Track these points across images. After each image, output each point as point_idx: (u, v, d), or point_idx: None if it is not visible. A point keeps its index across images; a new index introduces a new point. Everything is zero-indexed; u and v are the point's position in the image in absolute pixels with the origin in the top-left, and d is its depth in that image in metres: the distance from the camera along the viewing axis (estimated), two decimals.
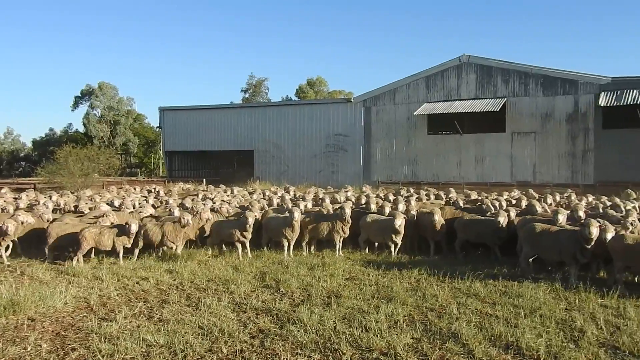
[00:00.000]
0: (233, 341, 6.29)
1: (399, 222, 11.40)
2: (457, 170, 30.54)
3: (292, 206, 13.34)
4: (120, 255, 11.10)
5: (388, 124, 32.69)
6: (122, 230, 11.00)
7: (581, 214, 11.06)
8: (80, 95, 74.24)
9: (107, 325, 6.85)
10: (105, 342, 6.24)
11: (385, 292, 8.61)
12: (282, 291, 8.78)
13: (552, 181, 27.43)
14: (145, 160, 75.62)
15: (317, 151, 35.42)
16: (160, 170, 64.80)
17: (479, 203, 14.09)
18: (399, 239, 11.83)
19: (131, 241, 11.16)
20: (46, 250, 11.18)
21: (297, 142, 36.29)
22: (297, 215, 11.76)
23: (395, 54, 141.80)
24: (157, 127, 53.63)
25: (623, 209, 12.43)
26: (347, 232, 12.18)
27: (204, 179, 36.47)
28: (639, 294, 8.29)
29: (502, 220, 11.13)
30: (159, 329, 6.70)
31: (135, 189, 24.48)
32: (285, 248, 12.00)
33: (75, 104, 74.76)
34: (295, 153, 36.41)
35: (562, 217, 10.33)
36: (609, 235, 8.81)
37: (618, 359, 5.79)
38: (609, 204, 13.88)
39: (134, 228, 10.95)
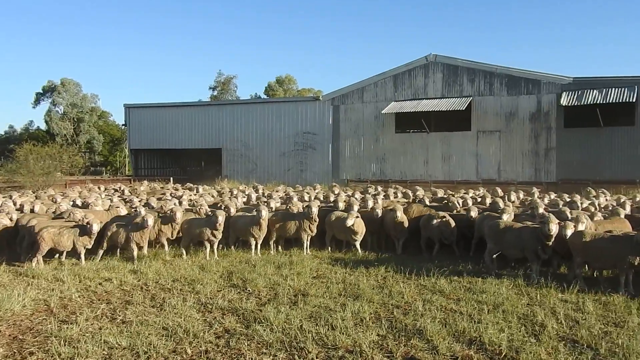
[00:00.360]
0: (198, 342, 6.23)
1: (350, 221, 11.43)
2: (425, 168, 30.86)
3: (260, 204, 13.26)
4: (82, 256, 10.82)
5: (356, 123, 32.82)
6: (83, 230, 10.73)
7: (541, 210, 11.35)
8: (41, 91, 72.34)
9: (67, 328, 6.69)
10: (65, 345, 6.10)
11: (352, 290, 8.64)
12: (248, 290, 8.72)
13: (516, 179, 27.98)
14: (111, 158, 74.11)
15: (285, 149, 35.31)
16: (126, 169, 63.60)
17: (445, 201, 14.28)
18: (357, 238, 11.88)
19: (92, 241, 10.88)
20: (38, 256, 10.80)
21: (265, 140, 36.09)
22: (265, 214, 11.70)
23: (364, 52, 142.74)
24: (123, 125, 52.64)
25: (579, 206, 12.81)
26: (314, 231, 12.17)
27: (171, 178, 36.05)
28: (597, 289, 8.52)
29: (474, 213, 11.45)
30: (121, 331, 6.58)
31: (99, 188, 24.04)
32: (253, 247, 11.92)
33: (37, 101, 72.76)
34: (263, 151, 36.21)
35: (506, 217, 10.69)
36: (569, 231, 9.04)
37: (576, 352, 5.92)
38: (568, 201, 14.24)
39: (95, 228, 10.68)
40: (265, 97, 73.79)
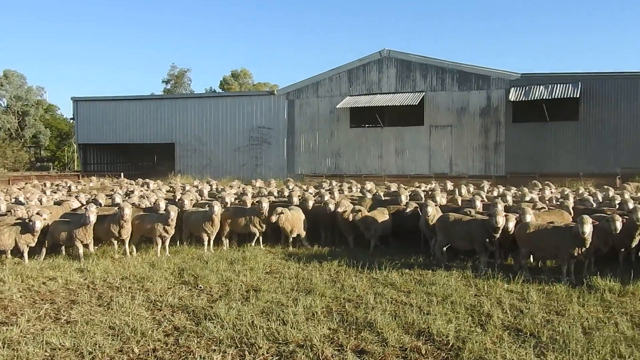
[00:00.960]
0: (146, 340, 6.10)
1: (274, 218, 11.50)
2: (379, 162, 31.21)
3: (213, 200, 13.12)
4: (25, 254, 10.42)
5: (311, 117, 32.84)
6: (25, 227, 10.32)
7: (478, 204, 11.66)
8: None
9: (7, 329, 6.42)
10: (4, 347, 5.85)
11: (304, 285, 8.65)
12: (200, 287, 8.60)
13: (467, 173, 28.68)
14: (59, 153, 71.67)
15: (240, 144, 35.00)
16: (75, 164, 61.64)
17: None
18: (292, 234, 11.93)
19: (35, 239, 10.48)
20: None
21: (219, 135, 35.67)
22: (217, 209, 11.57)
23: (320, 47, 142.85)
24: (71, 119, 50.92)
25: (528, 199, 13.27)
26: (264, 227, 12.13)
27: (122, 173, 35.19)
28: (541, 279, 8.82)
29: (404, 197, 12.02)
30: (65, 331, 6.37)
31: (45, 184, 23.22)
32: (206, 243, 11.77)
33: None
34: (217, 146, 35.78)
35: (430, 210, 10.90)
36: (511, 224, 9.36)
37: (520, 340, 6.11)
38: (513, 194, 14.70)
39: (38, 225, 10.29)
40: (220, 91, 72.88)
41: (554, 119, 27.63)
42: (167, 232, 11.30)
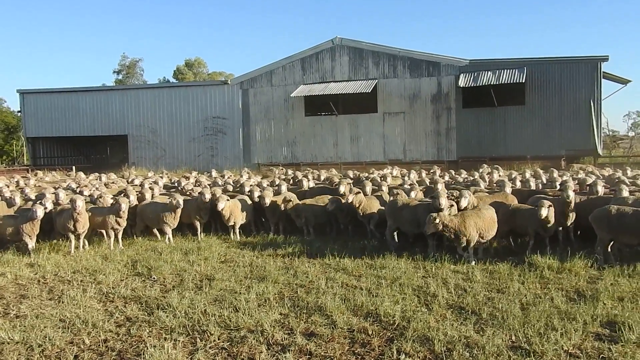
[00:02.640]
0: (97, 331, 6.15)
1: (221, 205, 11.58)
2: (334, 150, 31.53)
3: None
4: None
5: (266, 106, 32.83)
6: None
7: (413, 193, 11.85)
8: None
9: None
10: None
11: (258, 272, 8.81)
12: (153, 278, 8.66)
13: (420, 158, 29.35)
14: (7, 147, 69.14)
15: (195, 135, 34.70)
16: (25, 159, 59.63)
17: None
18: (228, 222, 12.07)
19: None
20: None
21: (173, 125, 35.25)
22: (182, 201, 11.63)
23: (275, 34, 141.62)
24: (18, 112, 49.16)
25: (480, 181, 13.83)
26: (206, 217, 12.36)
27: (74, 167, 34.39)
28: (486, 259, 9.26)
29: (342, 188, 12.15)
30: (14, 326, 6.36)
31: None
32: (169, 235, 11.79)
33: None
34: (172, 137, 35.37)
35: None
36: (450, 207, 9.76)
37: (462, 318, 6.45)
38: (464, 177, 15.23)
39: None
40: (174, 81, 71.64)
41: (502, 104, 28.52)
42: (119, 224, 11.25)
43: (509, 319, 6.28)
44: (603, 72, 27.39)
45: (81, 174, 23.51)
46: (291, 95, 31.20)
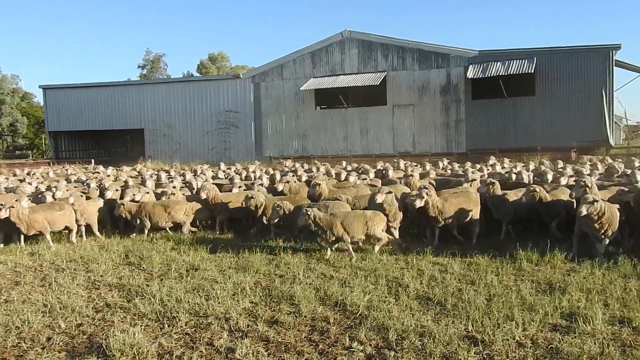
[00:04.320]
0: (74, 316, 6.51)
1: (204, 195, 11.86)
2: (344, 143, 31.69)
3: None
4: None
5: (277, 100, 33.12)
6: None
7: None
8: None
9: None
10: None
11: (242, 263, 9.10)
12: (143, 267, 9.04)
13: (429, 151, 29.31)
14: (37, 141, 70.95)
15: (208, 128, 35.22)
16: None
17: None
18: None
19: None
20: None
21: (188, 119, 35.84)
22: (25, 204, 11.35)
23: (289, 27, 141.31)
24: None
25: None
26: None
27: (92, 160, 35.29)
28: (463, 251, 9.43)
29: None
30: (1, 310, 6.78)
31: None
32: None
33: None
34: (186, 131, 35.97)
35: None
36: (418, 202, 9.84)
37: (426, 308, 6.62)
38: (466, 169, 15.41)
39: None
40: (198, 75, 72.47)
41: (511, 94, 28.29)
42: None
43: (471, 309, 6.43)
44: (617, 60, 26.99)
45: (100, 167, 24.26)
46: (301, 89, 31.40)
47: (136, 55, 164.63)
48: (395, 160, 22.39)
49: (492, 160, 18.96)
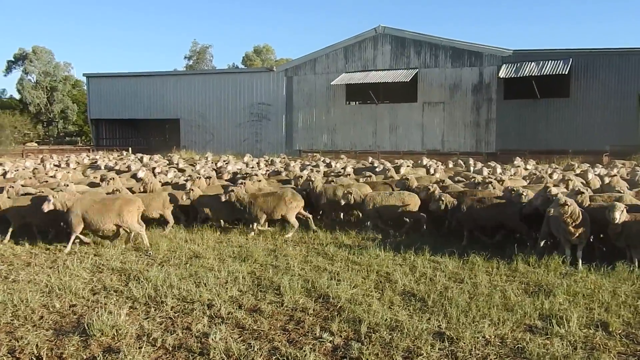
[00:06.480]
0: (70, 297, 6.93)
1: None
2: (373, 139, 31.72)
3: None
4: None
5: (309, 94, 33.38)
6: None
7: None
8: (13, 59, 70.47)
9: None
10: None
11: (244, 253, 9.35)
12: (149, 253, 9.43)
13: (458, 149, 29.03)
14: (86, 128, 73.37)
15: (241, 120, 35.81)
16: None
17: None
18: None
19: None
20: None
21: (222, 111, 36.52)
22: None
23: (343, 21, 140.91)
24: None
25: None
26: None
27: (130, 148, 36.34)
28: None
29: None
30: (5, 289, 7.20)
31: (52, 157, 24.57)
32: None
33: (8, 69, 70.76)
34: (220, 122, 36.66)
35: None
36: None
37: (408, 303, 6.72)
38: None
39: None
40: (242, 67, 73.50)
41: (545, 95, 27.72)
42: None
43: (451, 306, 6.48)
44: None
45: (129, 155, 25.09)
46: (332, 83, 31.55)
47: (184, 46, 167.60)
48: (424, 157, 22.31)
49: (517, 161, 18.73)
